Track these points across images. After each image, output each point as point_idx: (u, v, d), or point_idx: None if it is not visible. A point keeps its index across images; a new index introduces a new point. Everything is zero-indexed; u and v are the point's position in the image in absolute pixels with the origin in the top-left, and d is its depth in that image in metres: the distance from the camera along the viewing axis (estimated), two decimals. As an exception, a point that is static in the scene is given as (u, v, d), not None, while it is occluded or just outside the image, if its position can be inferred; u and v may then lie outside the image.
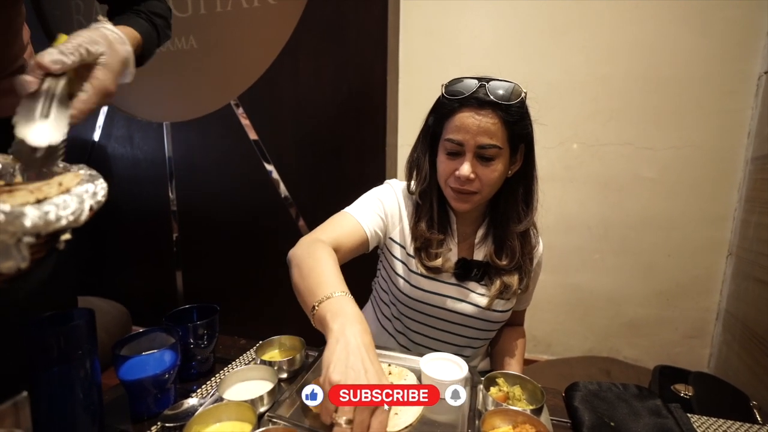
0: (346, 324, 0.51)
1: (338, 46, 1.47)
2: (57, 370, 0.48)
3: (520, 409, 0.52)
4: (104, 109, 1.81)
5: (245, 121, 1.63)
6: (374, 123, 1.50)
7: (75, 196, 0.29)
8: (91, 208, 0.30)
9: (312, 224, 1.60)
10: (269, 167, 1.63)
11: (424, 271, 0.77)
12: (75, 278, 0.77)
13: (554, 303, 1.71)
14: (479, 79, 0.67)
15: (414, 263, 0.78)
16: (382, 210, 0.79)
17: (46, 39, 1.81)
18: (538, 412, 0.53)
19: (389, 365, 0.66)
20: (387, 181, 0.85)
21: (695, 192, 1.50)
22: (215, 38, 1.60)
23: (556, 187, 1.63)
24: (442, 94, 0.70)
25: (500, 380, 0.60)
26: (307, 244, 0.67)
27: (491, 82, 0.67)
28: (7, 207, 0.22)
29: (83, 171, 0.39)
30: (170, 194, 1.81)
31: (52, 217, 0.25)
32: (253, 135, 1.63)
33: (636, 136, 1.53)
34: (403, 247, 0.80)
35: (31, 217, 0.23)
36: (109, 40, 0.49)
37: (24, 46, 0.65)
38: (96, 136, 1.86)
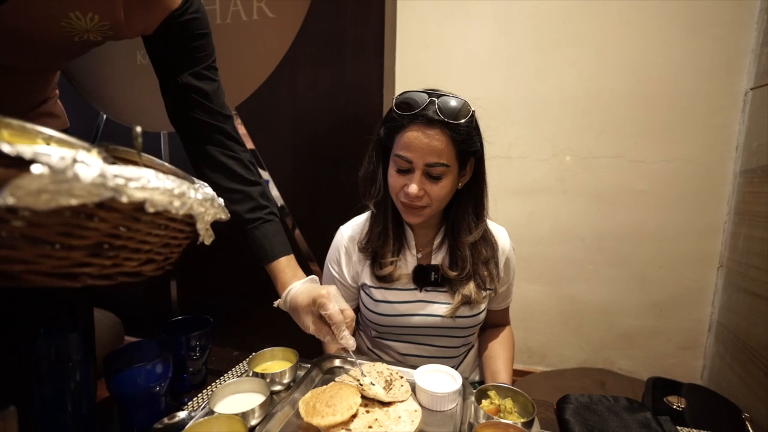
0: None
1: (336, 59, 1.49)
2: (49, 382, 0.48)
3: (511, 422, 0.52)
4: (103, 119, 1.82)
5: (242, 130, 1.64)
6: (370, 134, 1.51)
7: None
8: None
9: (308, 234, 1.61)
10: (266, 176, 1.64)
11: (378, 282, 0.79)
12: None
13: (549, 314, 1.72)
14: (429, 93, 0.67)
15: (369, 277, 0.80)
16: (339, 274, 0.84)
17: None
18: (529, 425, 0.54)
19: (392, 372, 0.65)
20: (339, 229, 0.87)
21: (686, 204, 1.53)
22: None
23: (550, 199, 1.65)
24: (392, 107, 0.70)
25: (492, 393, 0.61)
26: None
27: (441, 98, 0.66)
28: None
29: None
30: (166, 203, 1.81)
31: None
32: (250, 144, 1.64)
33: (627, 149, 1.55)
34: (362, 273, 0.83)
35: None
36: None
37: (57, 80, 0.84)
38: (93, 145, 1.87)
